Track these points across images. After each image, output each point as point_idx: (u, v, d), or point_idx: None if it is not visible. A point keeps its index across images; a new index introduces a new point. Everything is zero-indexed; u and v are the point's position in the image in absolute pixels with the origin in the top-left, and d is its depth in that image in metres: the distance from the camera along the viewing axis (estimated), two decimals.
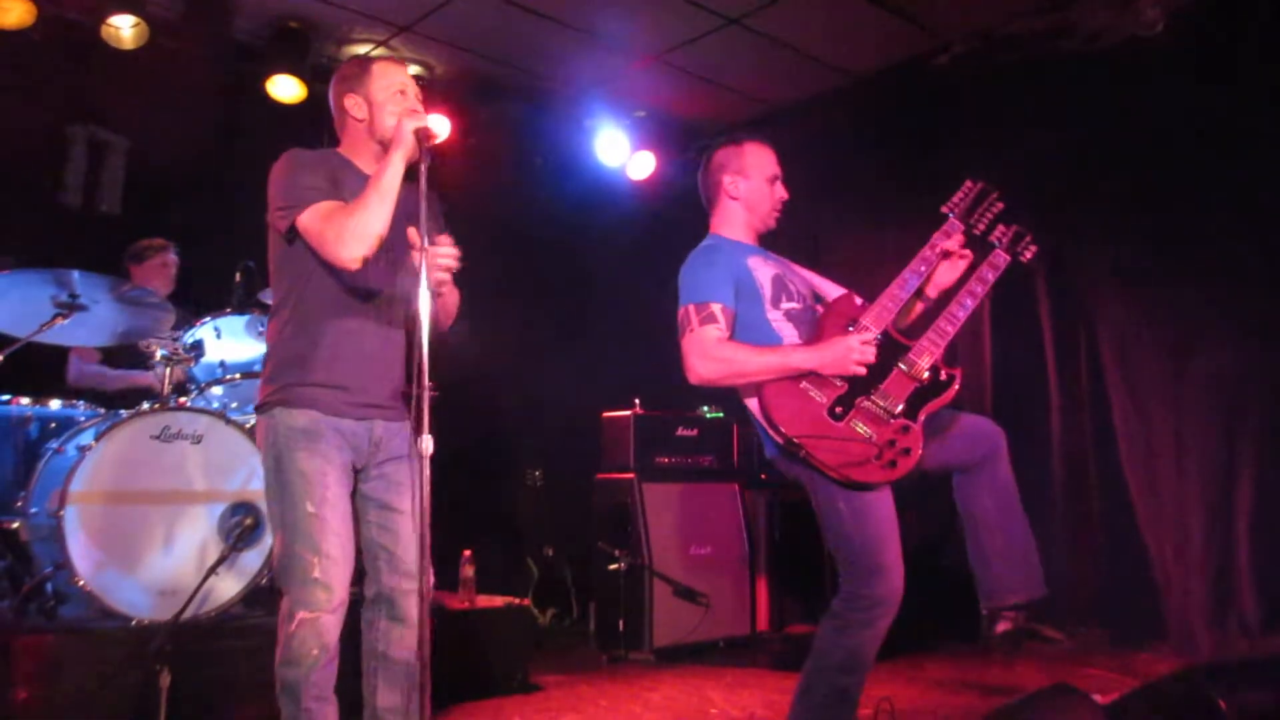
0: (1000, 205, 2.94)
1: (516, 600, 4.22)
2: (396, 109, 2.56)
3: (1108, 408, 4.74)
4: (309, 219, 2.44)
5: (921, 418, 2.65)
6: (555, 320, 6.20)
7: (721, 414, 5.56)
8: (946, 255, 2.89)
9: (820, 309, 2.90)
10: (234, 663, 3.42)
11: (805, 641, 4.87)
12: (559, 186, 6.38)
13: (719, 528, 5.22)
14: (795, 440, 2.60)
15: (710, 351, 2.73)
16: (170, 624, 3.18)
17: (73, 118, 5.06)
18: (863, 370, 2.64)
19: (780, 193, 3.02)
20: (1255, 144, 4.31)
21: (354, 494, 2.57)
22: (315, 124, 5.44)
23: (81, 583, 3.28)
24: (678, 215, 6.62)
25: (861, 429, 2.61)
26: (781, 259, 3.03)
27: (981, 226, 2.92)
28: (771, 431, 2.66)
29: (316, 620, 2.38)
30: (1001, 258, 2.92)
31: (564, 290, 6.18)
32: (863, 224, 5.90)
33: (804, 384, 2.67)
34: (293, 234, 2.50)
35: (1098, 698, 2.31)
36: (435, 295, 2.50)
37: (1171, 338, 4.59)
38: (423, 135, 2.42)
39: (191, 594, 3.30)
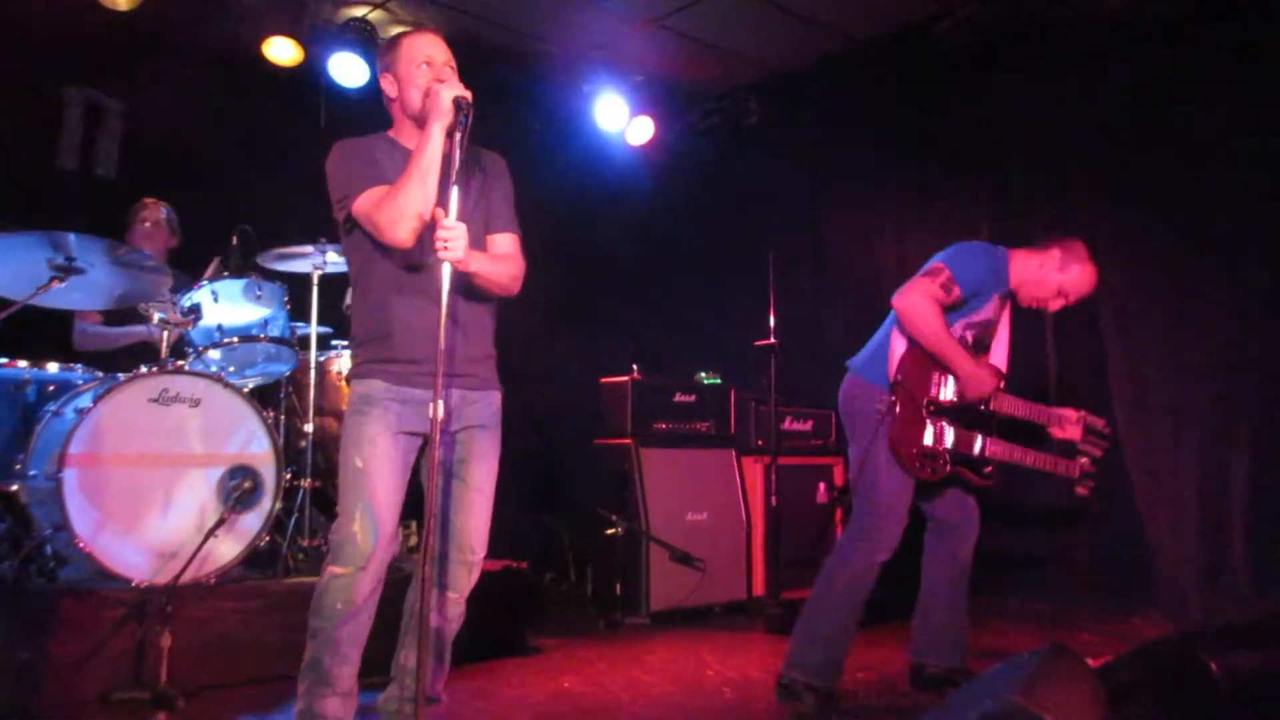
0: (1100, 453, 3.45)
1: (515, 564, 4.25)
2: (422, 82, 2.57)
3: (1105, 375, 4.75)
4: (360, 206, 2.50)
5: (956, 468, 3.32)
6: (554, 286, 6.17)
7: (719, 380, 5.57)
8: (1061, 427, 3.43)
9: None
10: (234, 624, 3.45)
11: (801, 606, 4.93)
12: (557, 151, 6.35)
13: (716, 493, 5.24)
14: (897, 382, 3.29)
15: (923, 298, 3.24)
16: (170, 585, 3.20)
17: (68, 81, 5.02)
18: (979, 398, 3.30)
19: (1053, 305, 3.47)
20: (1257, 113, 4.28)
21: (420, 459, 2.63)
22: (313, 87, 5.44)
23: (81, 544, 3.30)
24: (677, 180, 6.62)
25: (929, 432, 3.29)
26: (1005, 314, 3.51)
27: (1086, 446, 3.43)
28: (891, 368, 3.32)
29: (346, 576, 2.48)
30: (1074, 470, 3.44)
31: (562, 255, 6.13)
32: (864, 190, 5.89)
33: (934, 373, 3.31)
34: (350, 224, 2.58)
35: (1090, 661, 2.34)
36: (468, 274, 2.53)
37: (1170, 309, 4.59)
38: (461, 103, 2.44)
39: (191, 556, 3.31)
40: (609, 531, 4.89)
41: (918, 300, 3.23)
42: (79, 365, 3.94)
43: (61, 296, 3.56)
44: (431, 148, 2.44)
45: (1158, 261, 4.64)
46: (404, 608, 2.76)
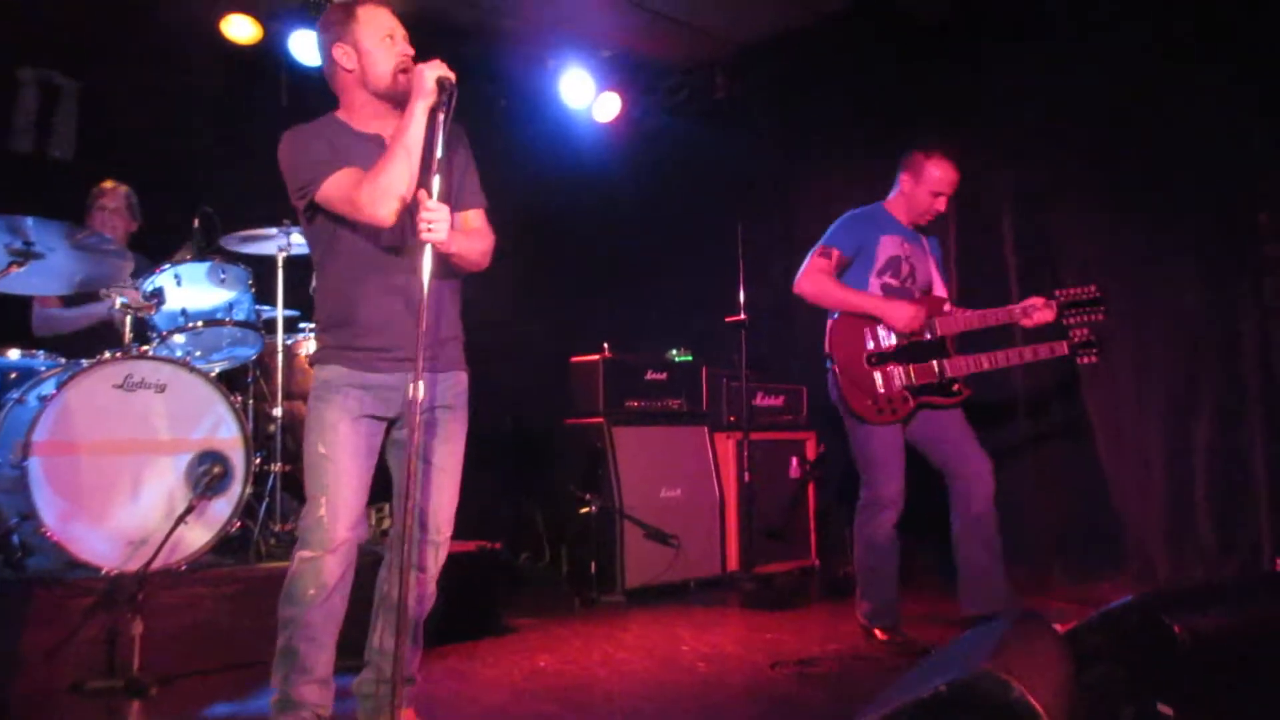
0: (1101, 317, 3.64)
1: (489, 544, 4.25)
2: (388, 56, 2.52)
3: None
4: (329, 190, 2.46)
5: (921, 399, 3.66)
6: (522, 265, 6.16)
7: (690, 357, 5.58)
8: (1029, 316, 3.69)
9: (918, 295, 3.78)
10: (206, 611, 3.43)
11: (774, 580, 5.01)
12: (523, 128, 6.30)
13: (689, 470, 5.26)
14: (829, 355, 3.72)
15: (814, 274, 3.72)
16: (140, 573, 3.17)
17: (21, 60, 4.91)
18: (907, 331, 3.62)
19: (939, 206, 3.79)
20: (1229, 92, 4.32)
21: (386, 442, 2.63)
22: (273, 66, 5.35)
23: (48, 534, 3.26)
24: (645, 156, 6.59)
25: (878, 380, 3.64)
26: (922, 248, 3.85)
27: (1070, 320, 3.66)
28: (825, 345, 3.73)
29: (316, 560, 2.47)
30: (1061, 347, 3.69)
31: (530, 233, 6.10)
32: (833, 164, 5.88)
33: (865, 330, 3.67)
34: (312, 211, 2.54)
35: (1058, 626, 2.38)
36: (446, 254, 2.51)
37: (1134, 277, 4.64)
38: (445, 83, 2.40)
39: (160, 543, 3.28)
40: (583, 510, 4.89)
41: (807, 278, 3.73)
42: (41, 352, 3.88)
43: (20, 282, 3.51)
44: (415, 127, 2.40)
45: (1124, 232, 4.68)
46: (375, 590, 2.75)
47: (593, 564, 4.87)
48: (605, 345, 5.19)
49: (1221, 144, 4.33)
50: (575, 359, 5.28)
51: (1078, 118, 4.77)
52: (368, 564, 2.74)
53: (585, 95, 6.09)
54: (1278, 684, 2.04)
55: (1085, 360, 3.69)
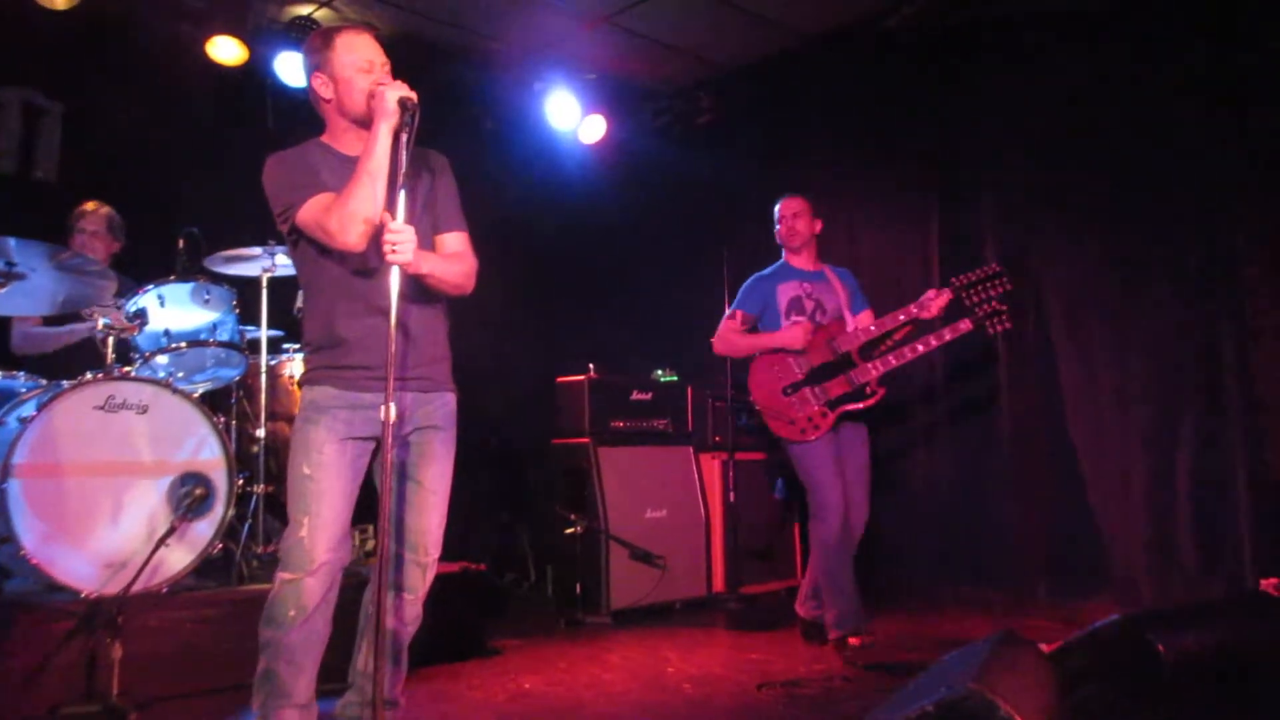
0: (1008, 287, 3.93)
1: (473, 565, 4.23)
2: (364, 85, 2.53)
3: (1054, 364, 4.83)
4: (304, 216, 2.48)
5: (840, 409, 4.05)
6: (508, 285, 6.16)
7: (676, 378, 5.58)
8: (925, 308, 3.97)
9: (825, 322, 4.19)
10: (188, 634, 3.39)
11: (760, 601, 5.04)
12: (509, 150, 6.32)
13: (674, 490, 5.26)
14: (754, 405, 4.21)
15: (722, 335, 4.34)
16: (120, 596, 3.14)
17: (4, 81, 4.90)
18: (801, 346, 4.07)
19: (795, 226, 4.28)
20: (1197, 112, 4.38)
21: (373, 463, 2.62)
22: (258, 87, 5.36)
23: (27, 556, 3.23)
24: (631, 178, 6.61)
25: (795, 405, 4.07)
26: (828, 283, 4.28)
27: (974, 299, 3.94)
28: (750, 397, 4.22)
29: (296, 582, 2.46)
30: (964, 325, 3.94)
31: (516, 255, 6.11)
32: (817, 184, 5.90)
33: (777, 368, 4.12)
34: (295, 235, 2.56)
35: (1043, 646, 2.38)
36: (421, 275, 2.53)
37: (1115, 299, 4.68)
38: (406, 104, 2.41)
39: (141, 565, 3.25)
40: (568, 531, 4.88)
41: (718, 339, 4.33)
42: (21, 373, 3.84)
43: (2, 302, 3.48)
44: (379, 149, 2.41)
45: (1105, 254, 4.72)
46: (360, 612, 2.73)
47: (578, 585, 4.85)
48: (591, 366, 5.19)
49: (1201, 167, 4.38)
50: (561, 379, 5.28)
51: (1059, 140, 4.82)
52: (351, 585, 2.73)
53: (571, 117, 6.11)
54: (1261, 703, 2.05)
55: (997, 329, 3.92)
